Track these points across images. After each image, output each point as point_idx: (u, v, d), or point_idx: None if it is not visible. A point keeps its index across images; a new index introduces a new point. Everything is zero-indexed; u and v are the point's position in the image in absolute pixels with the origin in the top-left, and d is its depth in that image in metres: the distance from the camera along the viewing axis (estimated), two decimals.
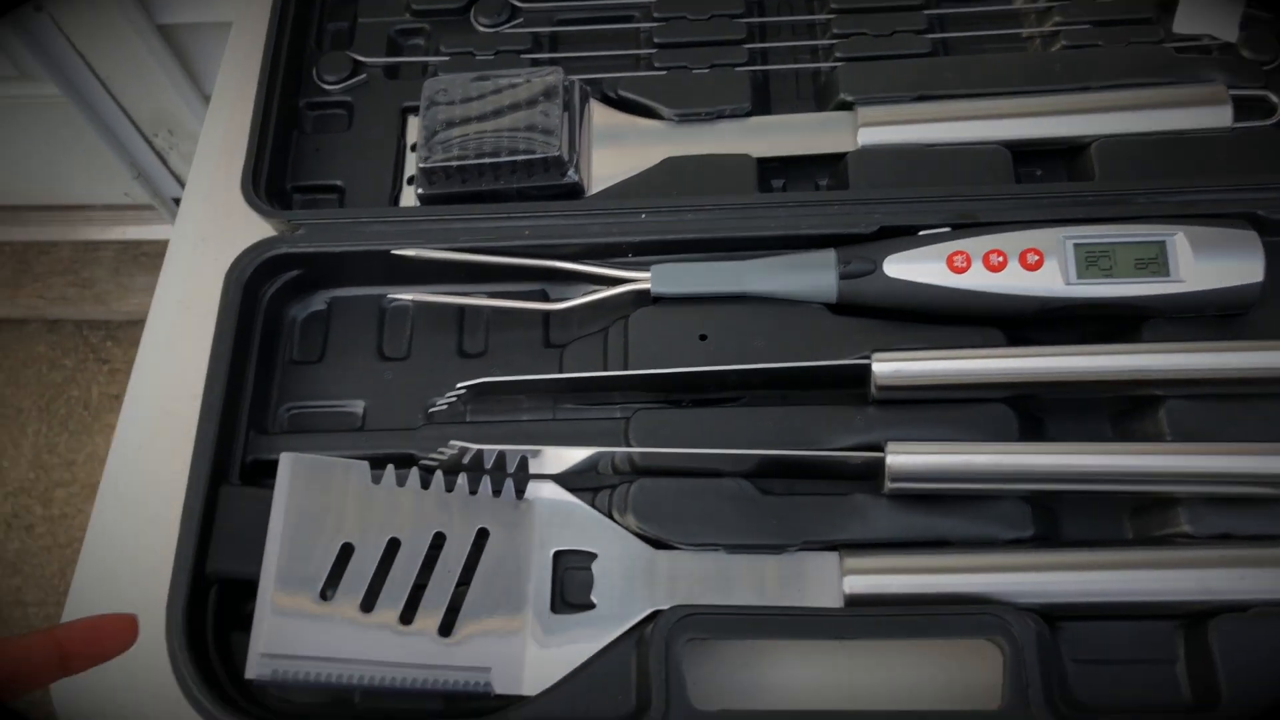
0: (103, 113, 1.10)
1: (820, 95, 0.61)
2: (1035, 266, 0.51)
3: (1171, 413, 0.49)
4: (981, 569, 0.47)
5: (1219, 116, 0.56)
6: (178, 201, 1.22)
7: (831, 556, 0.48)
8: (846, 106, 0.58)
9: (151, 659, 0.47)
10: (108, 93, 1.07)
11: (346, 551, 0.47)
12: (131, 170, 1.19)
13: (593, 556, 0.49)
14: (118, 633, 0.35)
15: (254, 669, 0.45)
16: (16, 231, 1.47)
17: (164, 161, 1.18)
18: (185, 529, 0.48)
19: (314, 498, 0.48)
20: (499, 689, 0.46)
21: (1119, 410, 0.52)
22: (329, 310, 0.57)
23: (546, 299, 0.56)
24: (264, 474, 0.52)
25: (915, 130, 0.57)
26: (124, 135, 1.14)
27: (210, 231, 0.61)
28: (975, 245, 0.51)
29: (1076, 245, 0.51)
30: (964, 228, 0.52)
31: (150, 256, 1.46)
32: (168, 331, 0.58)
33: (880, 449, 0.49)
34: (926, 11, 0.61)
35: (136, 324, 1.48)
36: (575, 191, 0.56)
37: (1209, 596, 0.46)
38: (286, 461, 0.48)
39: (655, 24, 0.62)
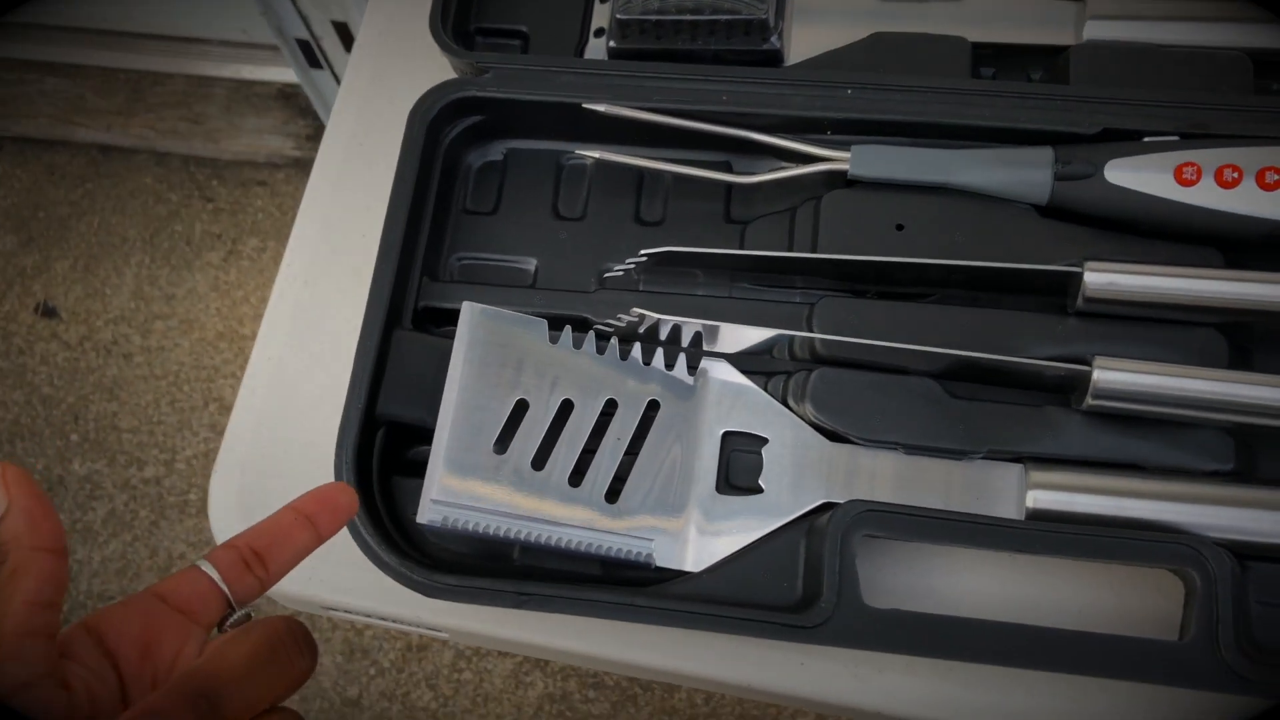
0: None
1: None
2: (1273, 187, 0.47)
3: None
4: (1175, 498, 0.45)
5: None
6: (301, 43, 1.20)
7: (1016, 468, 0.46)
8: None
9: None
10: None
11: (521, 407, 0.46)
12: (258, 4, 1.16)
13: (763, 441, 0.48)
14: (345, 498, 0.35)
15: (425, 514, 0.44)
16: (132, 59, 1.46)
17: None
18: (358, 369, 0.47)
19: (493, 350, 0.47)
20: (660, 561, 0.46)
21: None
22: (505, 161, 0.55)
23: (730, 171, 0.54)
24: (433, 321, 0.51)
25: (1149, 28, 0.52)
26: None
27: (385, 68, 0.59)
28: (1207, 158, 0.48)
29: None
30: (1194, 138, 0.49)
31: (262, 98, 1.45)
32: (338, 168, 0.57)
33: (1080, 361, 0.46)
34: None
35: (243, 164, 1.48)
36: (774, 59, 0.53)
37: None
38: (468, 311, 0.47)
39: None
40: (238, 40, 1.39)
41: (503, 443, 0.46)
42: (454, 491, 0.45)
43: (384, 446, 0.49)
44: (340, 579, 0.50)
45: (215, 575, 0.32)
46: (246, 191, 1.47)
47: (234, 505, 0.51)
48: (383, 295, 0.48)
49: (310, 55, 1.24)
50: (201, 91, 1.45)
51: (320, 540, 0.34)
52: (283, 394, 0.53)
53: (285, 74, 1.37)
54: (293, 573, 0.34)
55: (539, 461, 0.46)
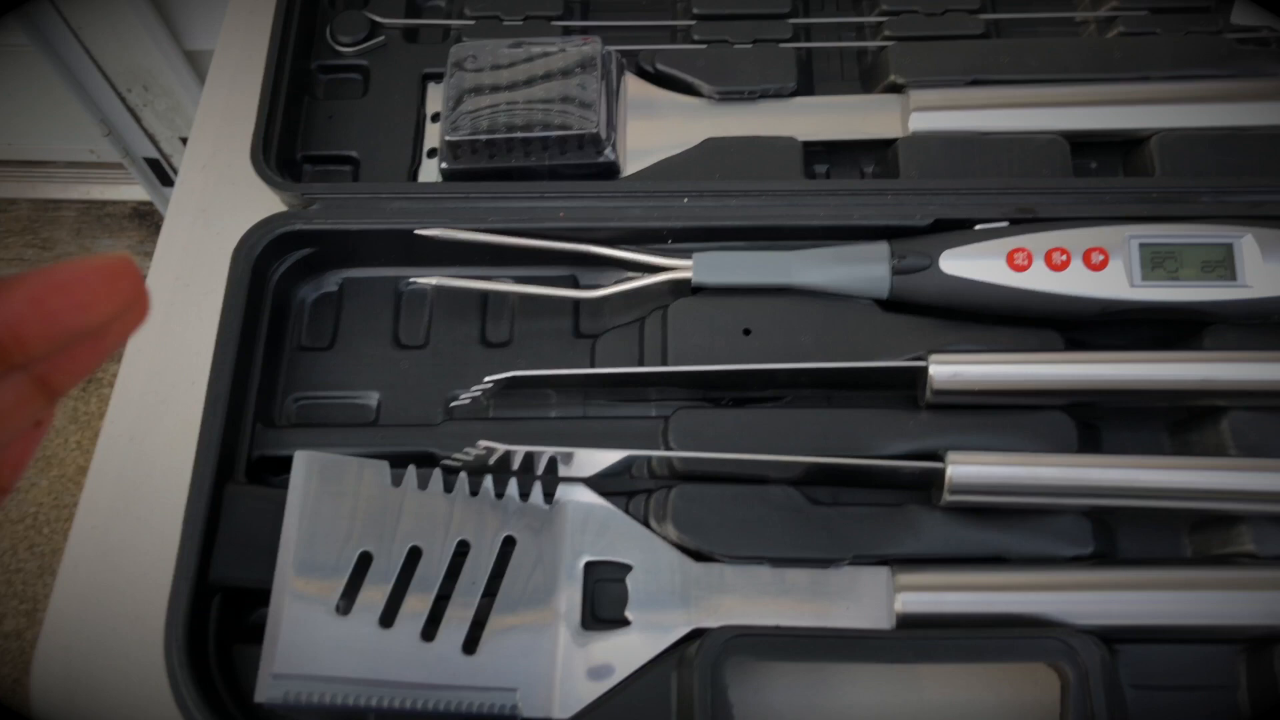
0: (73, 65, 1.04)
1: (867, 76, 0.57)
2: (1099, 267, 0.48)
3: (1235, 425, 0.47)
4: (1040, 587, 0.45)
5: None
6: (150, 161, 1.16)
7: (883, 572, 0.45)
8: (896, 89, 0.55)
9: (147, 675, 0.44)
10: (80, 44, 1.01)
11: (365, 560, 0.44)
12: (101, 127, 1.12)
13: (627, 568, 0.46)
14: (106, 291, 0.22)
15: (265, 692, 0.41)
16: None
17: (137, 119, 1.12)
18: (188, 532, 0.44)
19: (331, 501, 0.44)
20: (526, 712, 0.43)
21: (1178, 420, 0.50)
22: (341, 292, 0.53)
23: (577, 285, 0.53)
24: (270, 471, 0.48)
25: (969, 117, 0.54)
26: (95, 89, 1.07)
27: (210, 203, 0.56)
28: (1037, 242, 0.49)
29: (1142, 245, 0.48)
30: (1023, 223, 0.50)
31: (115, 218, 1.40)
32: (163, 311, 0.54)
33: (934, 456, 0.46)
34: None
35: None
36: (610, 171, 0.53)
37: (1273, 620, 0.44)
38: (302, 460, 0.44)
39: None
40: (86, 161, 1.34)
41: (349, 599, 0.43)
42: (296, 663, 0.41)
43: (221, 613, 0.45)
44: None
45: None
46: None
47: (59, 697, 0.46)
48: (212, 448, 0.45)
49: (161, 173, 1.20)
50: (49, 215, 1.39)
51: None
52: (109, 565, 0.49)
53: (139, 191, 1.32)
54: None
55: (388, 618, 0.43)
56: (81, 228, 1.38)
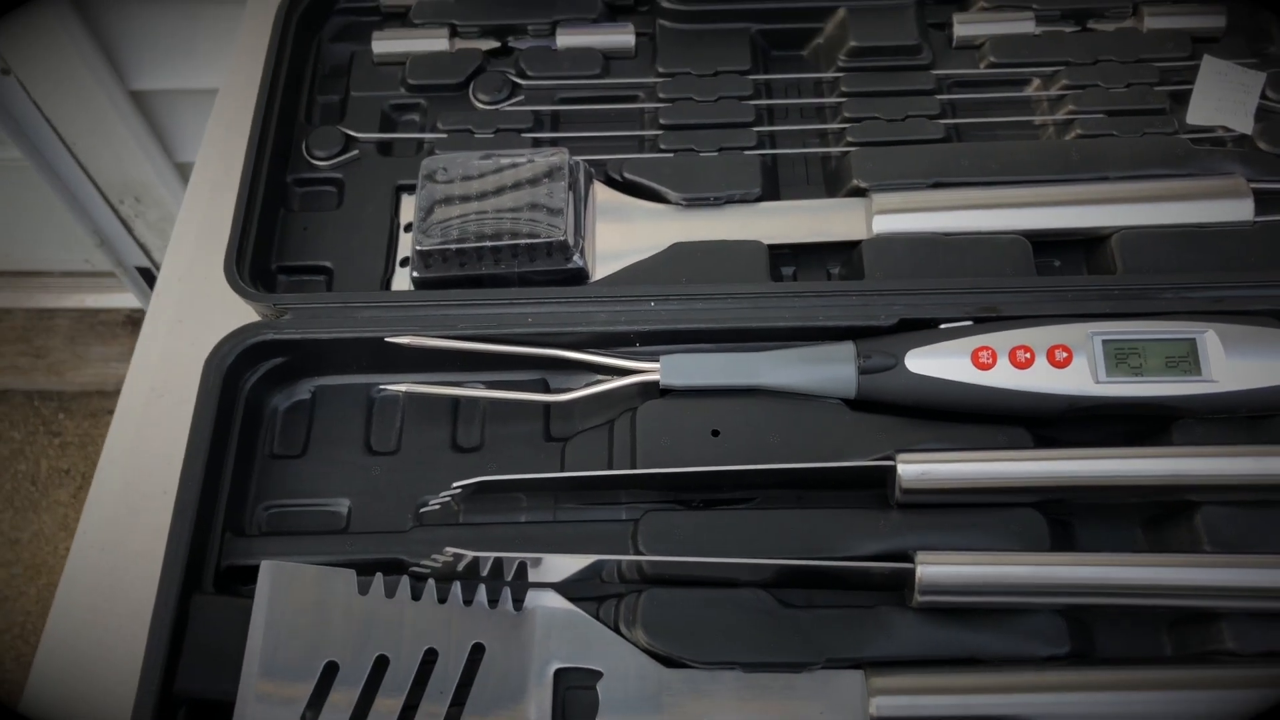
0: (66, 178, 1.07)
1: (831, 180, 0.59)
2: (1063, 364, 0.49)
3: (1209, 520, 0.47)
4: (1016, 689, 0.44)
5: (1240, 209, 0.55)
6: (142, 270, 1.18)
7: (856, 675, 0.45)
8: (859, 193, 0.56)
9: None
10: (73, 158, 1.04)
11: (331, 670, 0.43)
12: (94, 238, 1.15)
13: (598, 675, 0.45)
14: None
15: None
16: None
17: (129, 229, 1.14)
18: (153, 643, 0.43)
19: (297, 611, 0.44)
20: None
21: (1151, 515, 0.49)
22: (313, 400, 0.53)
23: (547, 389, 0.53)
24: (240, 580, 0.48)
25: (932, 218, 0.55)
26: (88, 201, 1.10)
27: (187, 313, 0.57)
28: (1001, 340, 0.49)
29: (1105, 342, 0.49)
30: (986, 321, 0.50)
31: (108, 325, 1.41)
32: (137, 420, 0.54)
33: (904, 555, 0.46)
34: (939, 96, 0.60)
35: (91, 395, 1.42)
36: (579, 277, 0.54)
37: None
38: (267, 571, 0.44)
39: (660, 105, 0.60)
40: (80, 270, 1.36)
41: (314, 709, 0.42)
42: None
43: None
44: None
45: None
46: (97, 422, 1.41)
47: None
48: (179, 559, 0.45)
49: (153, 281, 1.22)
50: (43, 324, 1.41)
51: None
52: (78, 677, 0.48)
53: (132, 299, 1.34)
54: None
55: None
56: (75, 336, 1.39)
